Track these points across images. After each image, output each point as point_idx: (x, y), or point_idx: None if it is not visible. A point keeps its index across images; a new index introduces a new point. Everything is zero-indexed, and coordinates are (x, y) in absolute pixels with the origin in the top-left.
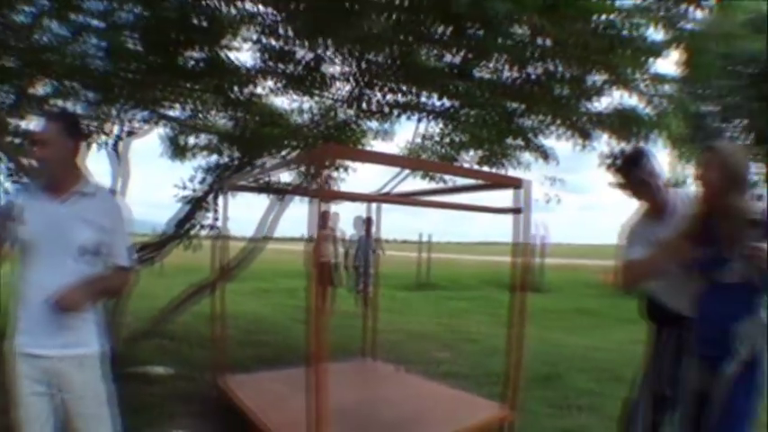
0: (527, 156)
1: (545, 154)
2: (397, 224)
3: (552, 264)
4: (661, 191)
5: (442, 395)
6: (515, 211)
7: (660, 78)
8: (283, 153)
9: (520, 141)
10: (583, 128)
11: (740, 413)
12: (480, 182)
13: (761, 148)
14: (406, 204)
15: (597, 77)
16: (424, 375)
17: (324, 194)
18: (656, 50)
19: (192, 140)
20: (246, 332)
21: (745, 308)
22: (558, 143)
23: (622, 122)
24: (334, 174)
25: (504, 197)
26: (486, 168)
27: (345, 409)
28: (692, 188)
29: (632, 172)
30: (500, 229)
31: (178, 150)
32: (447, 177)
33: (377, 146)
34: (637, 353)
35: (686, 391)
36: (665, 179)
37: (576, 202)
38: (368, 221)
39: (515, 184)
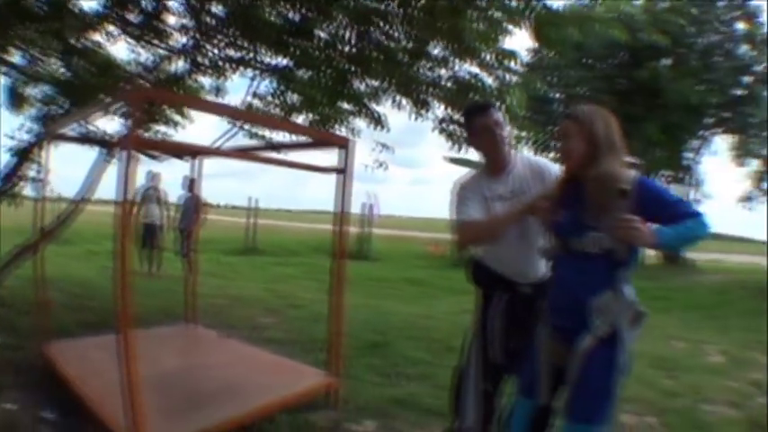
0: (359, 122)
1: (378, 120)
2: (227, 190)
3: (382, 234)
4: (505, 144)
5: (265, 362)
6: (339, 171)
7: (508, 54)
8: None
9: (353, 106)
10: (420, 95)
11: (596, 391)
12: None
13: None
14: (227, 157)
15: (441, 48)
16: (247, 341)
17: (132, 142)
18: (510, 13)
19: (31, 90)
20: (73, 296)
21: (604, 280)
22: (393, 117)
23: (460, 90)
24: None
25: (331, 161)
26: None
27: (164, 377)
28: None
29: (478, 118)
30: (330, 199)
31: (17, 101)
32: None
33: None
34: (465, 322)
35: (540, 361)
36: (510, 135)
37: (408, 175)
38: (191, 182)
39: (341, 143)
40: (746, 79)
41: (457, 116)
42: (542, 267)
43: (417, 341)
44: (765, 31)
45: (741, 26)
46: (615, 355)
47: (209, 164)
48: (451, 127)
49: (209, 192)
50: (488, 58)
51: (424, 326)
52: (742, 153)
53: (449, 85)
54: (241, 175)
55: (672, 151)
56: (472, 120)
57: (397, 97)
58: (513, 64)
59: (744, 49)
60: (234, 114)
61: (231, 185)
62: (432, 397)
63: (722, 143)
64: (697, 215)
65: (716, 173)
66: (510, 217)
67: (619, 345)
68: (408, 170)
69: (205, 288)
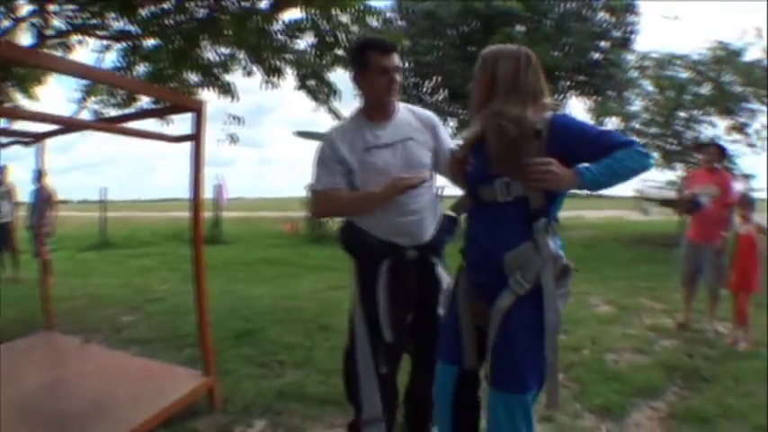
0: (207, 95)
1: (228, 89)
2: (76, 183)
3: (231, 217)
4: (396, 86)
5: (134, 368)
6: (191, 137)
7: (373, 12)
8: None
9: (201, 77)
10: (272, 62)
11: (519, 355)
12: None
13: (455, 104)
14: (71, 127)
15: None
16: (113, 345)
17: None
18: None
19: None
20: None
21: (520, 232)
22: (242, 94)
23: (319, 51)
24: None
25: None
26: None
27: (24, 399)
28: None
29: (378, 57)
30: (178, 186)
31: None
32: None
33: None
34: (334, 299)
35: (460, 323)
36: (401, 80)
37: (253, 156)
38: (38, 174)
39: (195, 106)
40: (604, 44)
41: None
42: (431, 227)
43: (288, 324)
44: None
45: None
46: (539, 314)
47: (57, 158)
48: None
49: (59, 188)
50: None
51: (291, 307)
52: (600, 113)
53: (305, 47)
54: (88, 167)
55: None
56: (370, 57)
57: (249, 65)
58: (374, 21)
59: (601, 15)
60: (88, 73)
61: (79, 179)
62: (317, 384)
63: (578, 105)
64: (629, 143)
65: None
66: (389, 193)
67: (546, 302)
68: (253, 150)
69: (62, 289)
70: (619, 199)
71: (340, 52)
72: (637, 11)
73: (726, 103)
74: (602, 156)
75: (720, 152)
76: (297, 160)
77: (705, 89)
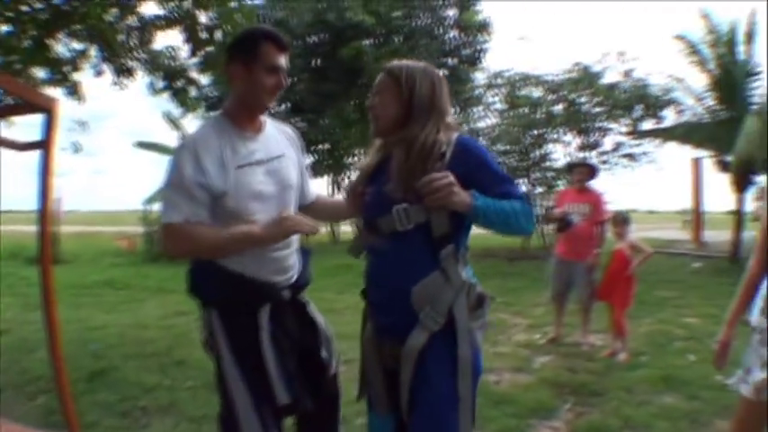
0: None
1: (75, 90)
2: None
3: (69, 232)
4: (280, 92)
5: None
6: (40, 145)
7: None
8: None
9: (50, 73)
10: (124, 62)
11: (438, 398)
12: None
13: (296, 118)
14: None
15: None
16: None
17: None
18: None
19: None
20: None
21: (426, 262)
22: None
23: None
24: None
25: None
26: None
27: None
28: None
29: (272, 51)
30: (16, 196)
31: None
32: None
33: None
34: (182, 327)
35: (370, 368)
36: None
37: (87, 166)
38: None
39: (48, 106)
40: (452, 62)
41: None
42: (297, 259)
43: (141, 359)
44: (478, 18)
45: (452, 13)
46: (456, 352)
47: None
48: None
49: None
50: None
51: (141, 339)
52: None
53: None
54: None
55: (368, 128)
56: (263, 49)
57: (99, 63)
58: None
59: (453, 34)
60: None
61: None
62: None
63: None
64: (525, 199)
65: None
66: (273, 236)
67: (459, 337)
68: (87, 160)
69: None
70: None
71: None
72: (489, 30)
73: (580, 123)
74: (494, 195)
75: (591, 171)
76: (133, 172)
77: (559, 109)
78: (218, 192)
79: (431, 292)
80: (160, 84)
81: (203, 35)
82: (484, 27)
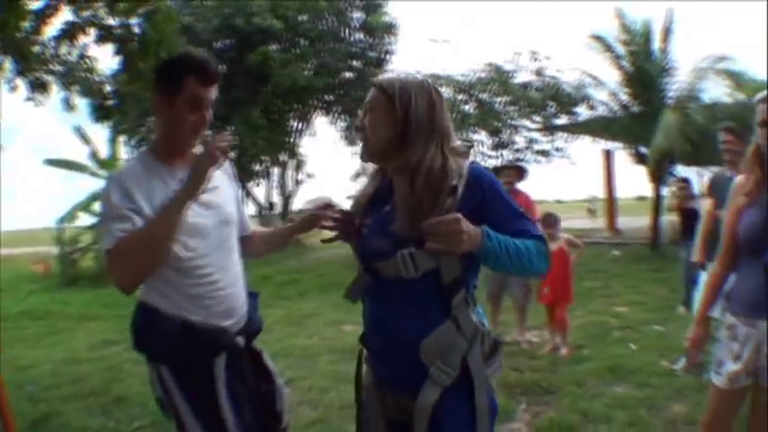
0: None
1: None
2: None
3: None
4: (206, 127)
5: None
6: None
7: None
8: None
9: None
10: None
11: None
12: None
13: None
14: None
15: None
16: None
17: None
18: None
19: None
20: None
21: (436, 310)
22: None
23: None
24: None
25: None
26: None
27: None
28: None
29: (194, 81)
30: None
31: None
32: None
33: None
34: (114, 359)
35: (375, 421)
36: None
37: None
38: None
39: None
40: (357, 64)
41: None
42: (245, 300)
43: (82, 400)
44: (385, 20)
45: (358, 15)
46: (473, 404)
47: None
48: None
49: None
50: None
51: (76, 375)
52: (351, 134)
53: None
54: None
55: (275, 135)
56: (186, 82)
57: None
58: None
59: (359, 36)
60: None
61: None
62: None
63: (326, 125)
64: (540, 239)
65: (320, 154)
66: (198, 178)
67: (476, 390)
68: None
69: None
70: None
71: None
72: (395, 32)
73: (492, 122)
74: (507, 232)
75: (519, 173)
76: (44, 189)
77: (470, 108)
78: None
79: (442, 345)
80: (76, 99)
81: (134, 46)
82: (390, 29)
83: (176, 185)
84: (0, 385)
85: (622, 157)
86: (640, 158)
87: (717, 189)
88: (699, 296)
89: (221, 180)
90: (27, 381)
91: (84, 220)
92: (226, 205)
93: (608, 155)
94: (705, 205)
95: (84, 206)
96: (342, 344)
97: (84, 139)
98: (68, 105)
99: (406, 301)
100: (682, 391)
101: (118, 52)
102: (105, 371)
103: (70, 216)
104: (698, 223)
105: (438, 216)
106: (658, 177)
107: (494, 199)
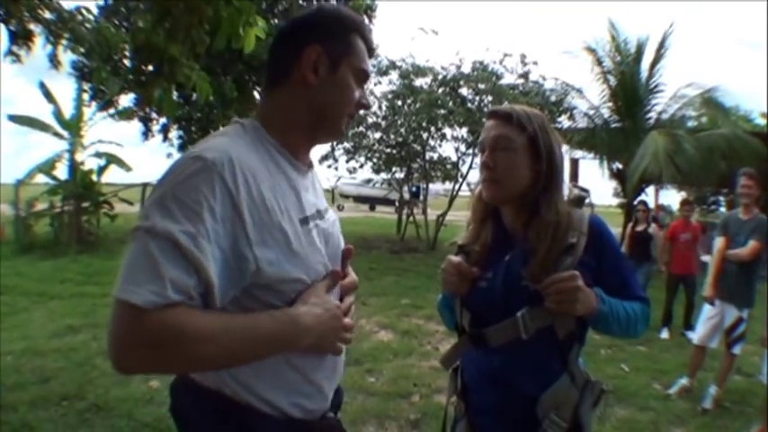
0: None
1: None
2: None
3: None
4: (351, 108)
5: None
6: None
7: None
8: None
9: None
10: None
11: None
12: None
13: (175, 93)
14: None
15: None
16: None
17: None
18: None
19: None
20: None
21: (554, 365)
22: None
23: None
24: None
25: None
26: None
27: None
28: None
29: (357, 37)
30: None
31: None
32: None
33: None
34: (81, 350)
35: None
36: None
37: None
38: None
39: None
40: None
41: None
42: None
43: (55, 408)
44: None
45: None
46: None
47: None
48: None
49: None
50: None
51: (43, 372)
52: None
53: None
54: None
55: (247, 107)
56: (356, 44)
57: None
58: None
59: None
60: None
61: None
62: None
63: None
64: (645, 301)
65: None
66: (329, 338)
67: None
68: None
69: None
70: None
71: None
72: (373, 15)
73: (472, 119)
74: (616, 291)
75: None
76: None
77: (448, 101)
78: (258, 267)
79: (559, 398)
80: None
81: None
82: (369, 10)
83: (308, 196)
84: None
85: (594, 168)
86: (617, 174)
87: (728, 228)
88: (702, 328)
89: (323, 197)
90: None
91: (43, 181)
92: (339, 237)
93: (575, 163)
94: (717, 243)
95: (45, 168)
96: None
97: (49, 96)
98: (55, 62)
99: (523, 357)
100: (681, 416)
101: None
102: (75, 367)
103: (28, 177)
104: (651, 246)
105: (556, 273)
106: (633, 194)
107: (613, 260)
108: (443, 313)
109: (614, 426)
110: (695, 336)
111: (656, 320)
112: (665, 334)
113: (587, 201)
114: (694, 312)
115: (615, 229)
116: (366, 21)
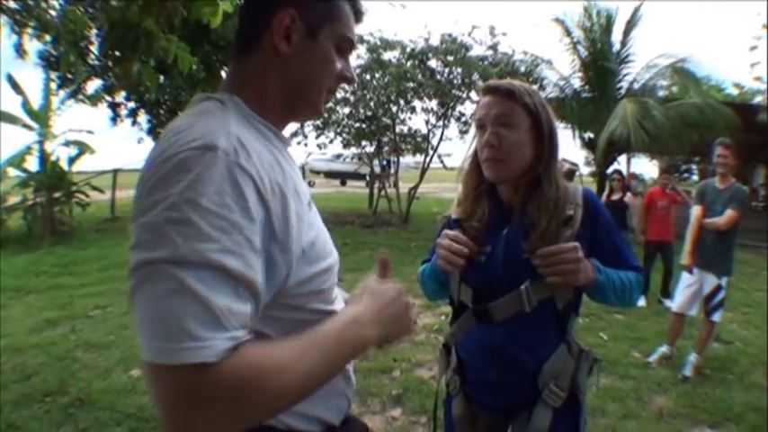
0: None
1: None
2: None
3: None
4: (332, 81)
5: None
6: None
7: None
8: None
9: None
10: None
11: None
12: None
13: None
14: None
15: None
16: None
17: None
18: None
19: None
20: None
21: (553, 336)
22: None
23: None
24: None
25: None
26: None
27: None
28: None
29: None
30: None
31: None
32: None
33: None
34: (60, 345)
35: None
36: None
37: None
38: None
39: None
40: None
41: None
42: None
43: (40, 405)
44: None
45: None
46: (577, 420)
47: None
48: None
49: None
50: None
51: (24, 369)
52: None
53: None
54: None
55: (215, 88)
56: (342, 10)
57: None
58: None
59: None
60: None
61: None
62: None
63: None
64: (638, 270)
65: None
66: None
67: (579, 408)
68: None
69: None
70: None
71: None
72: None
73: (441, 91)
74: (611, 261)
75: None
76: None
77: (417, 74)
78: (292, 265)
79: (558, 368)
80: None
81: None
82: None
83: (299, 178)
84: None
85: (566, 138)
86: (587, 143)
87: (705, 197)
88: (680, 296)
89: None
90: None
91: (14, 175)
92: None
93: None
94: (694, 212)
95: (15, 161)
96: None
97: (16, 88)
98: (21, 51)
99: (524, 329)
100: (662, 383)
101: None
102: (56, 361)
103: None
104: (627, 215)
105: (556, 245)
106: (604, 163)
107: (608, 233)
108: (426, 284)
109: (596, 395)
110: (674, 303)
111: None
112: (642, 302)
113: (577, 173)
114: (672, 280)
115: None
116: None
